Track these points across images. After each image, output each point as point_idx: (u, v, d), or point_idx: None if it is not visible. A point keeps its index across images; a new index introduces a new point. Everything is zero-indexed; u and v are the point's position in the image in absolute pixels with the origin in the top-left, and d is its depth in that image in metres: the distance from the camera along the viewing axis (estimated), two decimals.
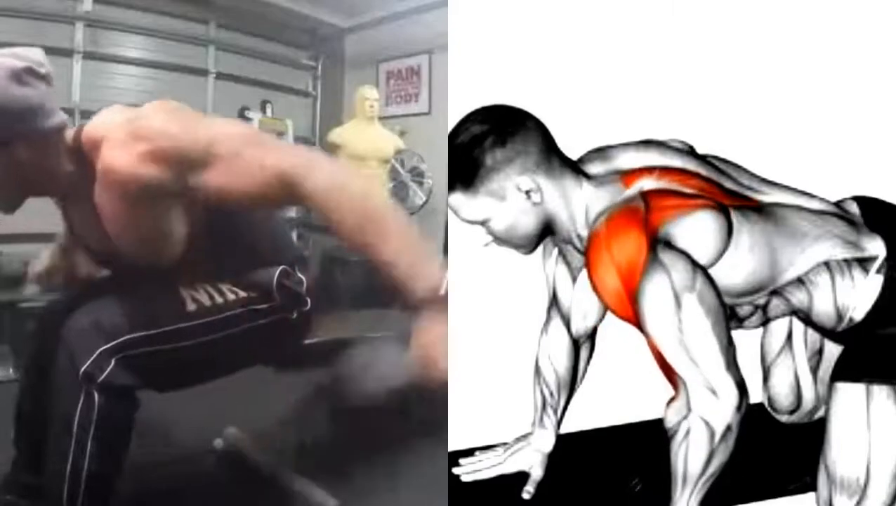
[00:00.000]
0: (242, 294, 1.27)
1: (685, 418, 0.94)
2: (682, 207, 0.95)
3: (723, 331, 0.93)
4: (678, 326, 0.92)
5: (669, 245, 0.93)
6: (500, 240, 1.04)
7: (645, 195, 0.96)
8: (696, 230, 0.94)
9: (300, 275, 1.38)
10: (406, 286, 0.96)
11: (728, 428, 0.93)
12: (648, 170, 1.00)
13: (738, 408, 0.92)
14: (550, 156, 1.00)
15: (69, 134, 1.10)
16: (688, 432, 0.94)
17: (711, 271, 0.94)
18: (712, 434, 0.93)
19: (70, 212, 1.25)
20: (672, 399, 0.96)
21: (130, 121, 1.03)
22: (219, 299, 1.23)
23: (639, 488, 1.15)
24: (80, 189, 1.11)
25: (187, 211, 1.12)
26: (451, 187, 1.00)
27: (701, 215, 0.94)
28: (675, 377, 0.94)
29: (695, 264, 0.93)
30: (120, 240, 1.11)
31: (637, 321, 0.95)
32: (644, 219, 0.94)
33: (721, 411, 0.92)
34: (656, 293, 0.92)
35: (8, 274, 2.56)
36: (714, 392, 0.92)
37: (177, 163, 1.01)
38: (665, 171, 1.00)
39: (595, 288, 0.99)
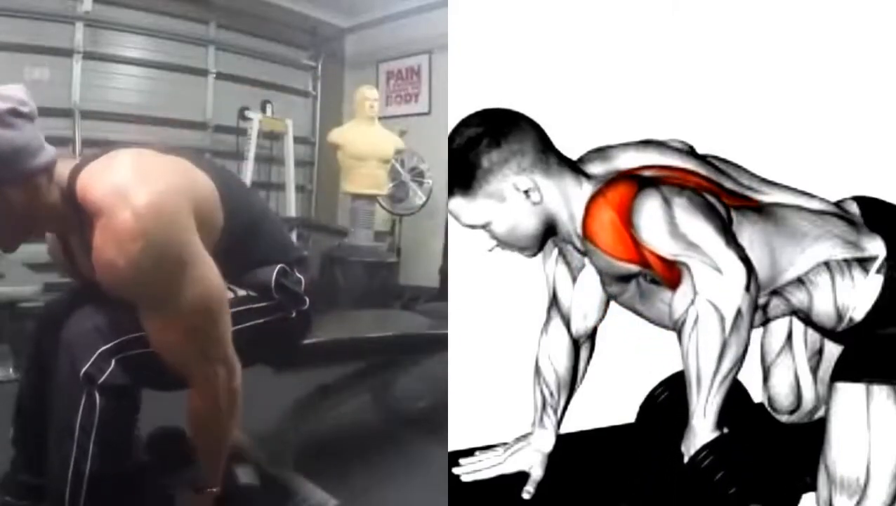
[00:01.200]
0: (241, 293, 1.27)
1: (693, 303, 0.90)
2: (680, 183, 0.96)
3: (717, 219, 0.92)
4: (670, 221, 0.92)
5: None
6: (504, 243, 1.04)
7: (644, 178, 0.98)
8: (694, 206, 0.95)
9: (298, 274, 1.38)
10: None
11: (738, 313, 0.89)
12: (648, 168, 1.01)
13: (747, 287, 0.89)
14: (547, 155, 1.00)
15: (62, 175, 1.08)
16: (696, 320, 0.90)
17: None
18: (722, 319, 0.89)
19: (66, 241, 1.25)
20: (676, 288, 0.93)
21: (123, 199, 1.01)
22: None
23: (664, 396, 1.15)
24: (75, 225, 1.11)
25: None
26: (451, 192, 1.01)
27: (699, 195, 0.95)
28: (676, 270, 0.92)
29: (683, 186, 0.94)
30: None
31: (635, 249, 0.95)
32: (639, 182, 0.96)
33: (729, 288, 0.89)
34: (647, 204, 0.93)
35: (8, 274, 2.56)
36: (718, 269, 0.89)
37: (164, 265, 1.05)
38: (665, 170, 1.00)
39: (592, 237, 0.99)
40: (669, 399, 1.16)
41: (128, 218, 1.00)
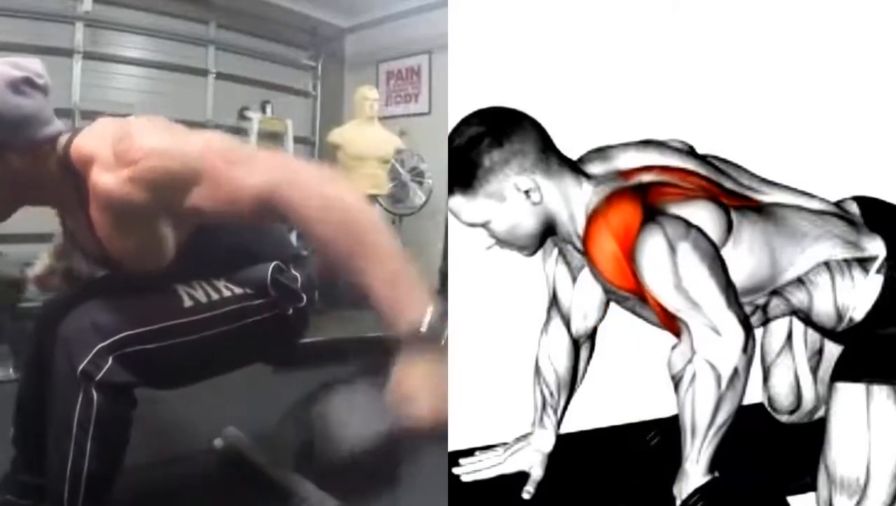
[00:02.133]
0: (238, 290, 1.27)
1: (690, 362, 0.92)
2: (682, 195, 0.96)
3: (720, 273, 0.92)
4: (674, 272, 0.91)
5: (665, 214, 0.93)
6: (502, 242, 1.04)
7: (645, 186, 0.97)
8: (695, 217, 0.94)
9: (294, 272, 1.38)
10: (390, 320, 0.89)
11: (735, 372, 0.90)
12: (648, 169, 1.01)
13: (744, 348, 0.90)
14: (548, 155, 1.00)
15: (60, 144, 1.09)
16: (693, 377, 0.92)
17: None
18: (719, 378, 0.90)
19: (66, 218, 1.25)
20: (676, 344, 0.94)
21: (118, 140, 0.99)
22: (215, 296, 1.23)
23: (656, 440, 1.14)
24: (74, 199, 1.10)
25: (179, 223, 1.11)
26: (451, 191, 1.01)
27: (700, 203, 0.95)
28: (676, 323, 0.93)
29: (688, 224, 0.93)
30: (114, 250, 1.11)
31: (636, 286, 0.95)
32: (642, 198, 0.95)
33: (726, 350, 0.90)
34: (651, 244, 0.92)
35: (7, 275, 2.56)
36: (717, 331, 0.90)
37: (164, 187, 0.97)
38: (665, 170, 1.00)
39: (593, 260, 0.99)
40: (661, 443, 1.16)
41: (126, 144, 0.96)
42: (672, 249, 0.91)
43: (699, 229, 0.93)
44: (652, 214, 0.94)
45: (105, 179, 0.99)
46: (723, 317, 0.91)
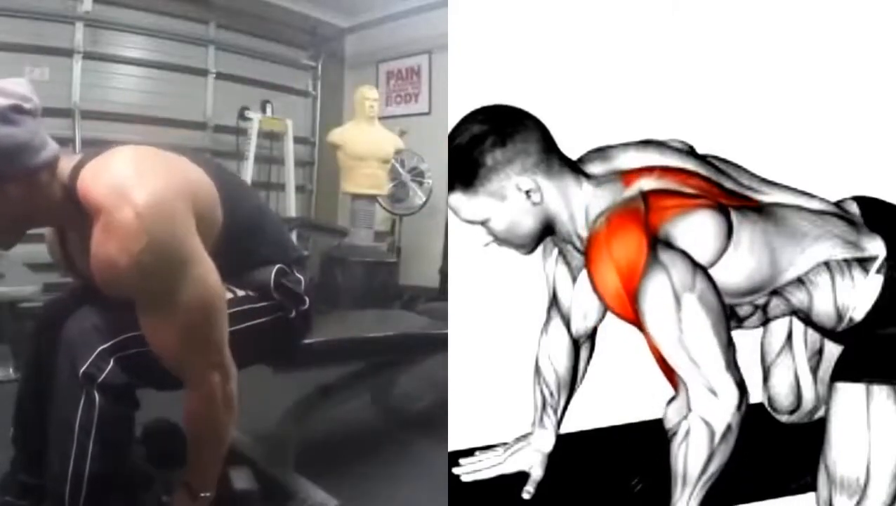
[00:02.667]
0: (241, 293, 1.27)
1: (685, 417, 0.94)
2: (682, 206, 0.95)
3: (723, 330, 0.93)
4: (678, 326, 0.92)
5: (669, 245, 0.93)
6: (500, 240, 1.04)
7: (645, 195, 0.96)
8: (695, 230, 0.94)
9: (298, 274, 1.38)
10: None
11: (728, 428, 0.92)
12: (648, 170, 1.00)
13: (738, 408, 0.92)
14: (550, 156, 1.00)
15: (64, 171, 1.08)
16: (688, 433, 0.94)
17: (711, 271, 0.94)
18: (712, 434, 0.93)
19: (65, 240, 1.25)
20: (672, 399, 0.96)
21: (123, 198, 1.01)
22: None
23: (639, 487, 1.14)
24: (75, 224, 1.11)
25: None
26: (451, 187, 1.00)
27: (700, 215, 0.94)
28: (675, 377, 0.94)
29: (695, 264, 0.93)
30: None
31: (637, 321, 0.95)
32: (644, 219, 0.94)
33: (721, 411, 0.92)
34: (656, 293, 0.92)
35: (8, 274, 2.56)
36: (714, 392, 0.92)
37: (163, 265, 1.05)
38: (665, 171, 1.00)
39: (595, 287, 0.99)
40: (645, 490, 1.16)
41: (128, 216, 1.00)
42: (678, 301, 0.91)
43: (704, 271, 0.93)
44: (655, 245, 0.92)
45: (110, 246, 1.01)
46: (721, 379, 0.92)
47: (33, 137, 1.03)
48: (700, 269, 0.93)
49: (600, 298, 1.00)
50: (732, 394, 0.92)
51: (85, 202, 1.04)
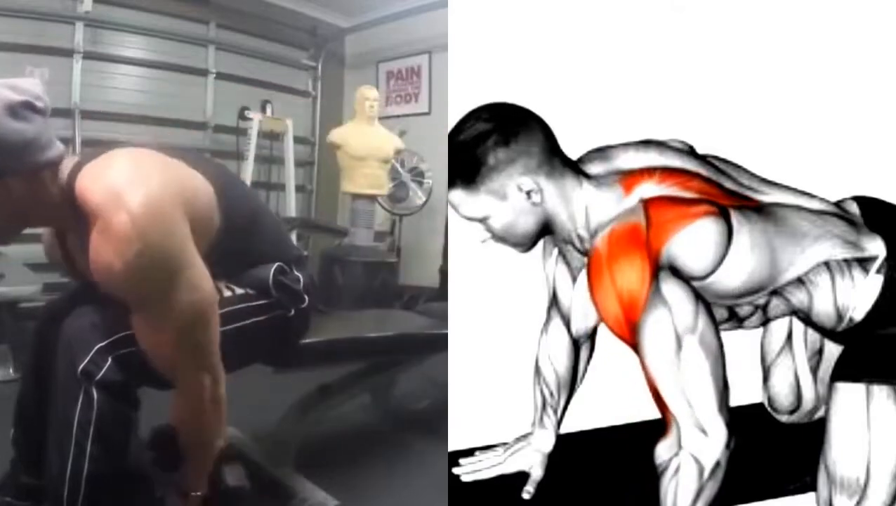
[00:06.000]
0: (240, 291, 1.27)
1: (675, 455, 0.94)
2: (683, 218, 0.94)
3: (720, 372, 0.93)
4: (677, 367, 0.92)
5: (672, 272, 0.93)
6: (498, 237, 1.04)
7: (645, 207, 0.95)
8: (697, 243, 0.93)
9: (297, 273, 1.39)
10: None
11: (717, 465, 0.93)
12: (649, 171, 1.00)
13: (727, 446, 0.93)
14: (552, 157, 1.00)
15: (63, 172, 1.09)
16: (678, 469, 0.94)
17: None
18: (701, 471, 0.93)
19: (63, 237, 1.25)
20: (663, 436, 0.96)
21: (119, 201, 1.02)
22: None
23: None
24: (73, 224, 1.11)
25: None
26: (452, 184, 1.00)
27: (701, 226, 0.93)
28: (667, 412, 0.95)
29: (697, 297, 0.93)
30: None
31: (634, 346, 0.95)
32: (645, 238, 0.94)
33: (710, 449, 0.93)
34: (657, 331, 0.92)
35: (8, 274, 2.56)
36: (704, 432, 0.93)
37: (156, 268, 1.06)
38: (665, 171, 1.00)
39: (595, 306, 0.99)
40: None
41: (124, 221, 1.00)
42: (678, 342, 0.91)
43: (706, 306, 0.93)
44: (658, 274, 0.92)
45: (106, 248, 1.02)
46: (712, 420, 0.92)
47: (41, 135, 1.05)
48: (702, 303, 0.93)
49: (600, 317, 1.00)
50: (722, 433, 0.93)
51: (82, 205, 1.05)
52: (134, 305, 1.09)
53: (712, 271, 0.94)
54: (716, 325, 0.94)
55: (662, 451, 0.96)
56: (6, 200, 1.04)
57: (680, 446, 0.94)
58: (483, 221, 1.02)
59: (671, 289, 0.92)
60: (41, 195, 1.08)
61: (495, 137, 0.97)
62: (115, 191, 1.03)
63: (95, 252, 1.03)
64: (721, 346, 0.94)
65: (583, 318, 1.14)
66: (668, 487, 0.95)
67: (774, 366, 1.21)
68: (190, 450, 1.19)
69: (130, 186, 1.04)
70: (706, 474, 0.93)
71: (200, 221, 1.14)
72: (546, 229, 1.03)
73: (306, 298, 1.39)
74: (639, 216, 0.95)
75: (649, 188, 0.98)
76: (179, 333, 1.10)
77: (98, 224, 1.02)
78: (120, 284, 1.05)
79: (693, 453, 0.93)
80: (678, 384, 0.92)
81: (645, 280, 0.93)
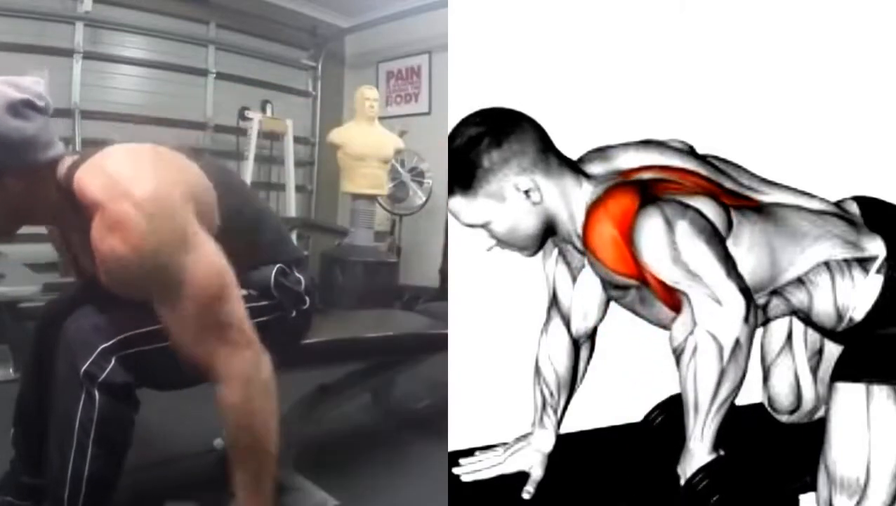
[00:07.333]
0: (241, 292, 1.27)
1: (691, 333, 0.92)
2: (681, 190, 0.96)
3: (718, 246, 0.92)
4: (672, 246, 0.91)
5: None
6: (503, 242, 1.04)
7: (645, 181, 0.97)
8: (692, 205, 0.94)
9: (298, 274, 1.38)
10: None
11: (737, 343, 0.90)
12: (648, 169, 1.01)
13: (746, 318, 0.90)
14: (548, 155, 1.00)
15: (62, 169, 1.09)
16: (695, 349, 0.91)
17: None
18: (721, 349, 0.90)
19: (66, 236, 1.25)
20: (676, 317, 0.94)
21: (119, 191, 1.01)
22: None
23: (659, 420, 1.14)
24: (74, 222, 1.11)
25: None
26: (451, 192, 1.00)
27: (699, 199, 0.95)
28: (678, 303, 0.93)
29: (686, 205, 0.93)
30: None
31: (635, 266, 0.95)
32: (642, 189, 0.96)
33: (727, 320, 0.90)
34: (649, 224, 0.92)
35: (8, 274, 2.56)
36: (718, 301, 0.90)
37: (165, 250, 1.04)
38: (665, 170, 1.00)
39: (592, 249, 0.99)
40: (665, 422, 1.16)
41: (125, 207, 1.00)
42: (669, 225, 0.92)
43: (697, 210, 0.93)
44: (650, 199, 0.94)
45: (106, 237, 1.01)
46: (723, 286, 0.90)
47: (41, 133, 1.05)
48: (692, 208, 0.93)
49: (598, 260, 1.00)
50: (738, 300, 0.90)
51: (82, 199, 1.04)
52: (150, 292, 1.07)
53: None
54: (707, 219, 0.93)
55: (677, 331, 0.93)
56: (5, 198, 1.04)
57: (694, 323, 0.91)
58: (485, 226, 1.02)
59: (661, 200, 0.93)
60: (41, 193, 1.08)
61: (488, 139, 0.97)
62: (114, 179, 1.03)
63: (101, 244, 1.02)
64: (716, 230, 0.93)
65: (583, 318, 1.14)
66: (686, 372, 0.92)
67: (774, 366, 1.21)
68: (247, 457, 1.11)
69: (129, 174, 1.04)
70: (726, 353, 0.90)
71: (201, 210, 1.12)
72: (549, 230, 1.03)
73: (307, 299, 1.39)
74: (636, 183, 0.98)
75: (649, 175, 0.99)
76: (202, 311, 1.06)
77: (99, 216, 1.01)
78: (129, 272, 1.02)
79: (710, 330, 0.90)
80: (678, 262, 0.91)
81: (636, 200, 0.95)
